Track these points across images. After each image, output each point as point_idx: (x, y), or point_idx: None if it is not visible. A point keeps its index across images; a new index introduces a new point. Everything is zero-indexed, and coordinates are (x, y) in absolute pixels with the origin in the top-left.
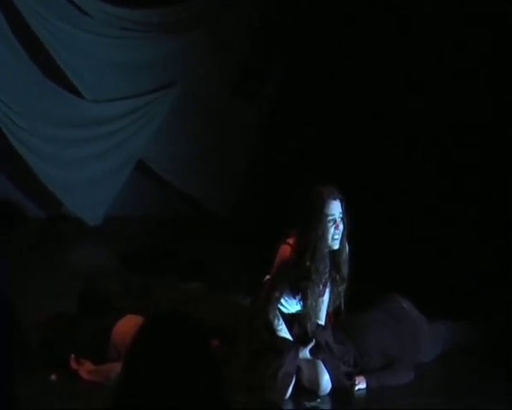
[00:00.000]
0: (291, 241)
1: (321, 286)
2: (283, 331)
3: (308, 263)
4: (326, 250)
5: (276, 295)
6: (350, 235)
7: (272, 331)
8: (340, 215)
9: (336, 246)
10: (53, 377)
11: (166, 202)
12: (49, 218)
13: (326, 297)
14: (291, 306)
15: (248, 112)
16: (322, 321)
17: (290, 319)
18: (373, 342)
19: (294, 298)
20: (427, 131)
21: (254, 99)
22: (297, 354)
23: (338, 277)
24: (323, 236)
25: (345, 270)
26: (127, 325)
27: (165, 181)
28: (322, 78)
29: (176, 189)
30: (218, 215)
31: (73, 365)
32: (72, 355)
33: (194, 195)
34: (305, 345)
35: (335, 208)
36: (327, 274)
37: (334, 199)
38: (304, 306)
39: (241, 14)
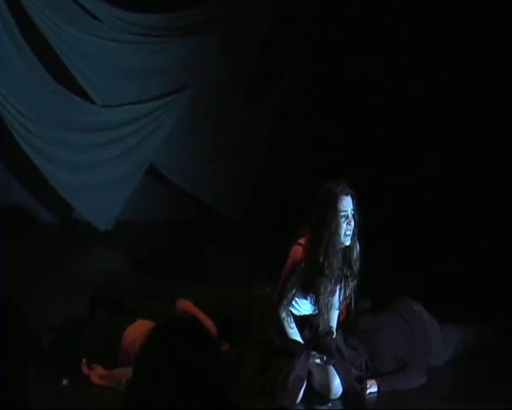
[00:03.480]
0: (302, 241)
1: (332, 284)
2: (294, 333)
3: (321, 258)
4: (339, 246)
5: (288, 295)
6: (359, 234)
7: (283, 333)
8: (352, 211)
9: (348, 242)
10: (64, 381)
11: (177, 206)
12: (60, 222)
13: (336, 298)
14: (302, 307)
15: (260, 115)
16: (333, 323)
17: (301, 322)
18: (384, 346)
19: (306, 298)
20: (443, 130)
21: (265, 102)
22: (308, 358)
23: (349, 273)
24: (336, 231)
25: (356, 266)
26: (138, 331)
27: (176, 185)
28: (332, 80)
29: (187, 193)
30: (229, 219)
31: (85, 369)
32: (84, 360)
33: (205, 199)
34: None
35: (347, 204)
36: (339, 271)
37: (346, 195)
38: (316, 302)
39: (252, 18)
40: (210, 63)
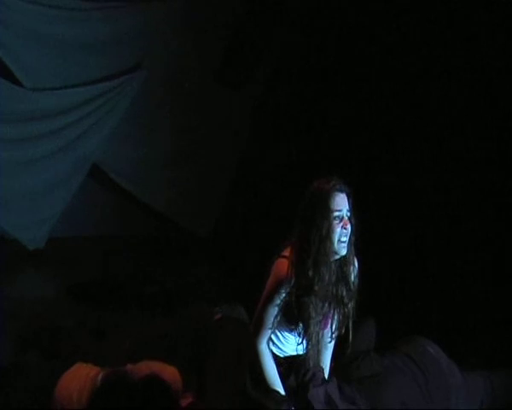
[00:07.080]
0: (287, 253)
1: (325, 305)
2: (275, 379)
3: (311, 272)
4: (331, 258)
5: (269, 322)
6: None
7: (261, 379)
8: (348, 213)
9: (343, 251)
10: None
11: (128, 218)
12: None
13: (328, 327)
14: (286, 344)
15: (233, 106)
16: (326, 361)
17: (285, 366)
18: (391, 397)
19: (291, 331)
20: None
21: (239, 91)
22: None
23: (345, 291)
24: (328, 236)
25: (354, 282)
26: (76, 378)
27: (126, 192)
28: (318, 67)
29: (139, 202)
30: (193, 234)
31: None
32: None
33: (162, 209)
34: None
35: (342, 203)
36: (332, 288)
37: (340, 192)
38: (304, 332)
39: None
40: (172, 37)
